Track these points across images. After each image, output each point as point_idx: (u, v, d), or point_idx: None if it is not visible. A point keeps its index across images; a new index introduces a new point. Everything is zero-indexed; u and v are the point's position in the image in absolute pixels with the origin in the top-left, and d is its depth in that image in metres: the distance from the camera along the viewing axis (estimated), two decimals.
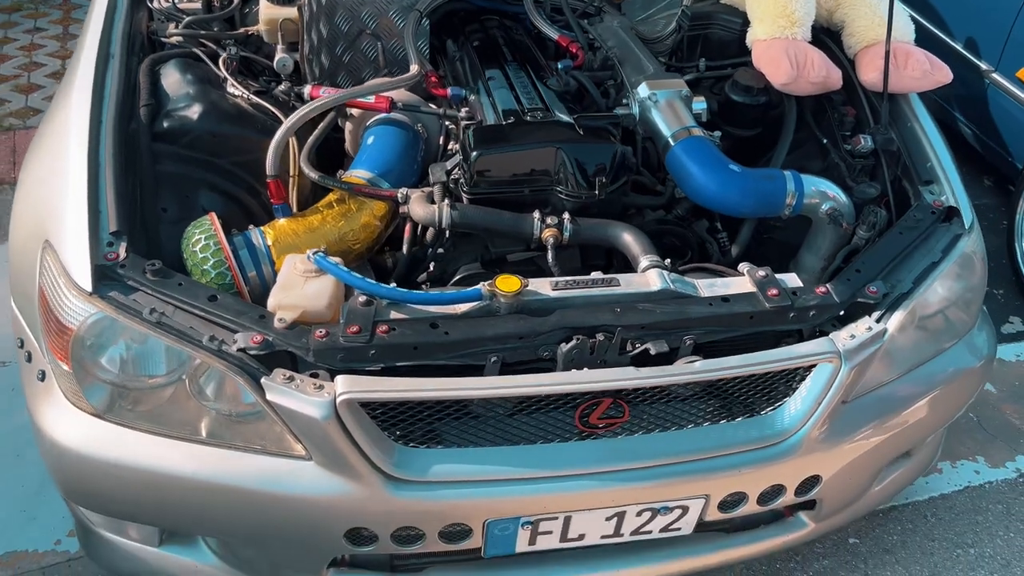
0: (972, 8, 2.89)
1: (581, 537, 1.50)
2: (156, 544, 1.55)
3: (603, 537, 1.51)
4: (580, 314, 1.38)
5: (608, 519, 1.47)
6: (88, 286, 1.36)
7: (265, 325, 1.34)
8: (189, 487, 1.38)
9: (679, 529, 1.53)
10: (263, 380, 1.31)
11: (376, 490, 1.36)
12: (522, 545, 1.49)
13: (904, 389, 1.58)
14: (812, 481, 1.54)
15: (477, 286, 1.39)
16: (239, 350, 1.32)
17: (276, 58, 1.83)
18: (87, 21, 1.90)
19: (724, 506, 1.51)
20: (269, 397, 1.30)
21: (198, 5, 1.90)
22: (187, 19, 1.84)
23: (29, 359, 1.50)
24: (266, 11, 1.83)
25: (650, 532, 1.52)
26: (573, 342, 1.36)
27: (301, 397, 1.29)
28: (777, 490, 1.52)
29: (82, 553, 1.87)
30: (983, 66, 2.87)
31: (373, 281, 1.40)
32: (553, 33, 1.95)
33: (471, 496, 1.39)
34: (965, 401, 1.72)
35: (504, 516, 1.41)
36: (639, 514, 1.47)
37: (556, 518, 1.44)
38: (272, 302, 1.38)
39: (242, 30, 1.92)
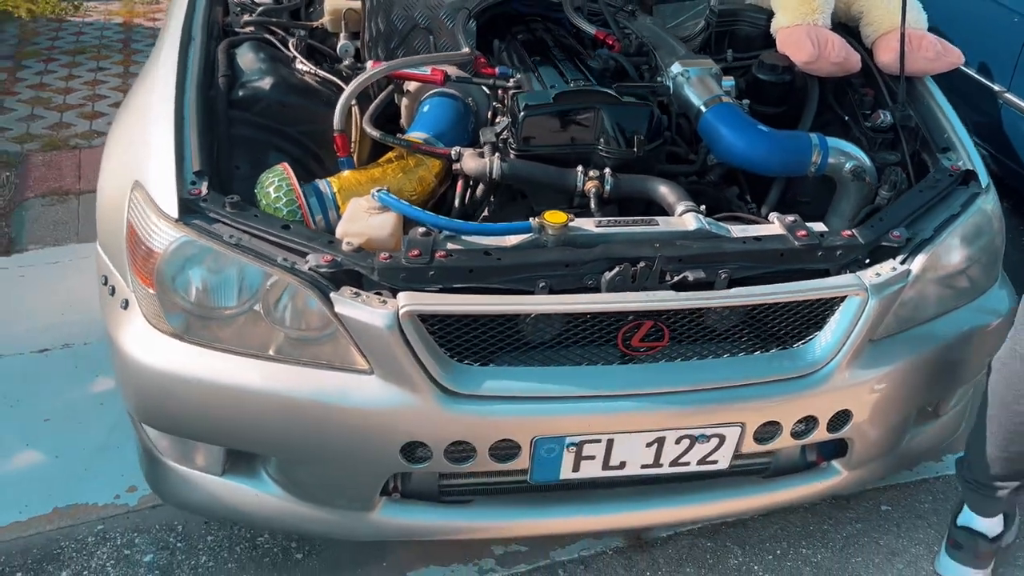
0: (982, 33, 3.05)
1: (622, 465, 1.57)
2: (219, 473, 1.64)
3: (643, 467, 1.58)
4: (622, 246, 1.49)
5: (648, 445, 1.55)
6: (174, 215, 1.50)
7: (334, 248, 1.46)
8: (258, 400, 1.48)
9: (716, 462, 1.60)
10: (332, 295, 1.42)
11: (432, 403, 1.45)
12: (566, 471, 1.56)
13: (927, 336, 1.67)
14: (843, 417, 1.61)
15: (527, 220, 1.51)
16: (310, 268, 1.44)
17: (339, 44, 2.00)
18: (169, 14, 2.10)
19: (760, 439, 1.58)
20: (338, 309, 1.42)
21: (270, 1, 2.09)
22: (260, 8, 2.03)
23: (112, 292, 1.63)
24: (330, 2, 2.01)
25: (688, 464, 1.59)
26: (616, 270, 1.46)
27: (367, 309, 1.41)
28: (810, 423, 1.59)
29: (140, 506, 1.97)
30: (996, 87, 3.02)
31: (432, 214, 1.53)
32: (591, 29, 2.11)
33: (520, 413, 1.48)
34: (990, 353, 1.79)
35: (550, 434, 1.49)
36: (678, 441, 1.55)
37: (599, 440, 1.52)
38: (340, 231, 1.51)
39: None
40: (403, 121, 1.96)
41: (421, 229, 1.50)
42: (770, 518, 1.95)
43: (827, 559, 1.86)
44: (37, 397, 2.25)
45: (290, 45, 1.94)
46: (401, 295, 1.42)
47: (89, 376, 2.33)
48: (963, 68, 3.13)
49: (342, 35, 2.00)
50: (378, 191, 1.55)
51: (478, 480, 1.64)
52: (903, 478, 2.08)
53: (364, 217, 1.53)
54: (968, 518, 1.79)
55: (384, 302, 1.42)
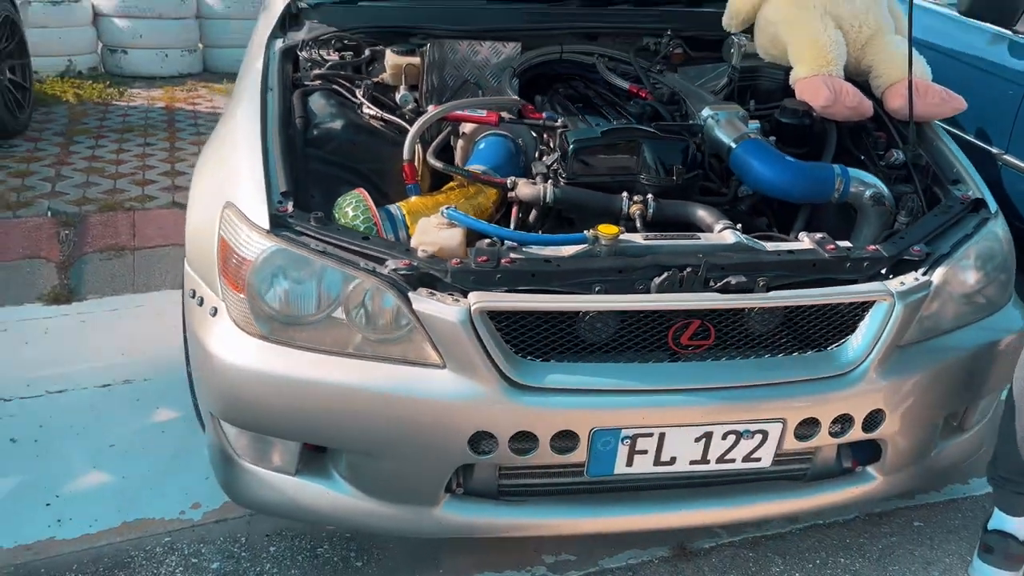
0: (979, 100, 3.28)
1: (672, 461, 1.69)
2: (293, 472, 1.75)
3: (692, 463, 1.69)
4: (669, 256, 1.65)
5: (697, 440, 1.66)
6: (265, 228, 1.66)
7: (411, 255, 1.62)
8: (339, 394, 1.61)
9: (759, 460, 1.71)
10: (410, 294, 1.57)
11: (499, 395, 1.58)
12: (620, 466, 1.67)
13: (949, 347, 1.80)
14: (876, 417, 1.73)
15: (582, 232, 1.67)
16: (391, 271, 1.59)
17: (399, 95, 2.21)
18: (244, 69, 2.32)
19: (800, 436, 1.70)
20: (416, 306, 1.56)
21: (336, 58, 2.31)
22: (329, 63, 2.25)
23: (201, 303, 1.77)
24: (391, 59, 2.23)
25: (733, 461, 1.70)
26: (665, 275, 1.62)
27: (441, 306, 1.56)
28: (846, 422, 1.71)
29: (204, 521, 2.06)
30: (995, 151, 3.23)
31: (497, 226, 1.70)
32: (624, 84, 2.33)
33: (579, 405, 1.61)
34: (1007, 370, 1.92)
35: (607, 426, 1.62)
36: (724, 437, 1.67)
37: (651, 435, 1.64)
38: (414, 242, 1.67)
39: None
40: (457, 160, 2.15)
41: (487, 240, 1.66)
42: (808, 531, 2.04)
43: (865, 568, 1.94)
44: (102, 426, 2.37)
45: (357, 93, 2.15)
46: (472, 294, 1.57)
47: (150, 408, 2.46)
48: (962, 134, 3.37)
49: (401, 87, 2.21)
50: (447, 208, 1.72)
51: (534, 481, 1.75)
52: (933, 498, 2.17)
53: (435, 231, 1.69)
54: (999, 521, 1.88)
55: (456, 300, 1.57)
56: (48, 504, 2.09)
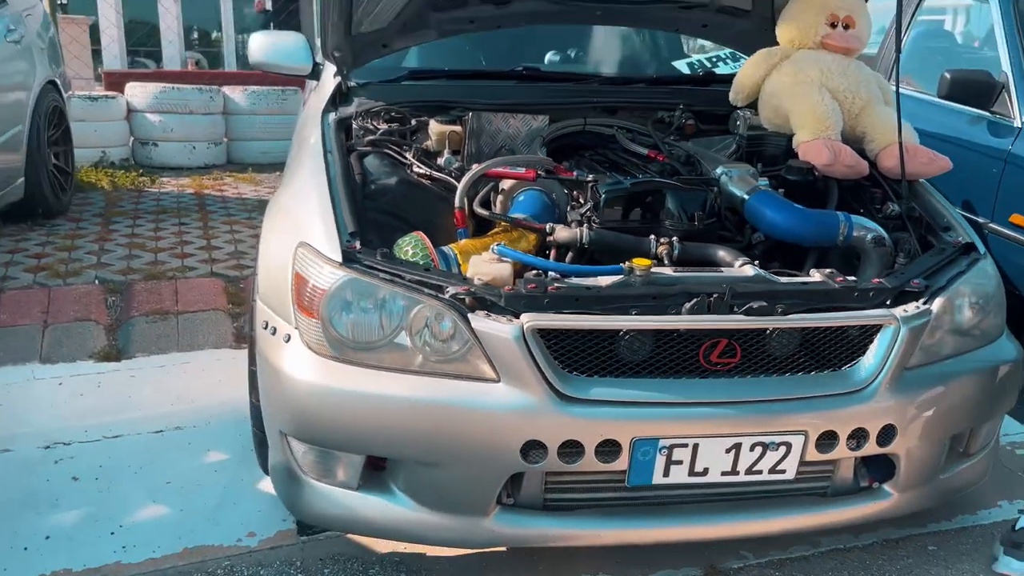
0: (964, 176, 3.54)
1: (705, 472, 1.84)
2: (355, 487, 1.90)
3: (723, 474, 1.85)
4: (697, 285, 1.85)
5: (727, 451, 1.82)
6: (338, 261, 1.86)
7: (467, 283, 1.82)
8: (402, 407, 1.78)
9: (784, 472, 1.87)
10: (469, 315, 1.77)
11: (549, 406, 1.75)
12: (658, 475, 1.83)
13: (950, 372, 1.98)
14: (889, 431, 1.89)
15: (618, 264, 1.88)
16: (451, 296, 1.79)
17: (443, 158, 2.45)
18: (301, 137, 2.57)
19: (820, 448, 1.86)
20: (474, 325, 1.75)
21: (385, 127, 2.56)
22: (380, 131, 2.50)
23: (274, 332, 1.96)
24: (436, 127, 2.48)
25: (760, 472, 1.86)
26: (694, 300, 1.81)
27: (498, 324, 1.75)
28: (862, 435, 1.88)
29: (260, 547, 2.19)
30: (980, 220, 3.48)
31: (543, 259, 1.90)
32: (643, 150, 2.58)
33: (621, 416, 1.77)
34: (1002, 397, 2.10)
35: (646, 436, 1.78)
36: (752, 448, 1.83)
37: (686, 445, 1.80)
38: (470, 273, 1.87)
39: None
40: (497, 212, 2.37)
41: (534, 271, 1.87)
42: (829, 554, 2.17)
43: (881, 571, 2.07)
44: (158, 466, 2.50)
45: (407, 155, 2.39)
46: (524, 315, 1.76)
47: (201, 451, 2.60)
48: (949, 206, 3.63)
49: (445, 152, 2.45)
50: (497, 245, 1.94)
51: (577, 495, 1.90)
52: (944, 527, 2.30)
53: (487, 265, 1.90)
54: None
55: (510, 320, 1.76)
56: (112, 533, 2.21)
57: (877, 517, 2.04)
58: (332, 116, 2.57)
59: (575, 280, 1.86)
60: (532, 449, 1.78)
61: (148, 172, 5.92)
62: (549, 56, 3.25)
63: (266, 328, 2.00)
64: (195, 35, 17.86)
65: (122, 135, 6.22)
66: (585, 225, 2.07)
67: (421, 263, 1.94)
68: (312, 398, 1.83)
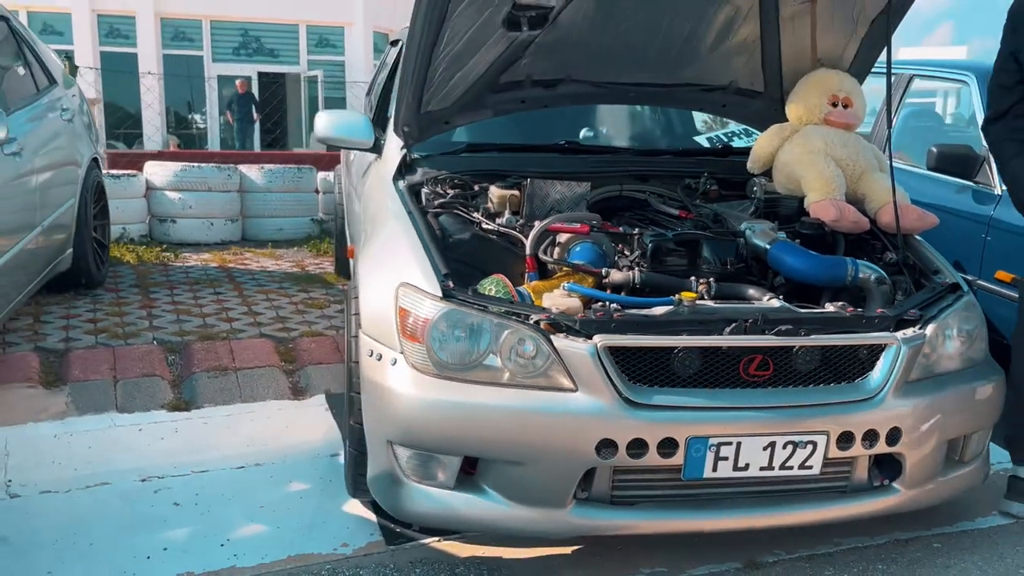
0: (952, 239, 4.18)
1: (746, 467, 2.37)
2: (452, 486, 2.41)
3: (761, 468, 2.38)
4: (734, 313, 2.43)
5: (764, 448, 2.36)
6: (438, 295, 2.43)
7: (547, 311, 2.39)
8: (495, 413, 2.31)
9: (811, 468, 2.41)
10: (552, 337, 2.33)
11: (619, 411, 2.29)
12: (708, 470, 2.36)
13: (943, 385, 2.56)
14: (896, 433, 2.44)
15: (669, 296, 2.46)
16: (535, 321, 2.35)
17: (504, 217, 3.03)
18: (374, 201, 3.15)
19: (840, 446, 2.41)
20: (557, 344, 2.31)
21: (452, 191, 3.15)
22: (451, 194, 3.09)
23: (380, 359, 2.49)
24: (496, 192, 3.07)
25: (791, 468, 2.40)
26: (734, 324, 2.39)
27: (576, 343, 2.30)
28: (874, 436, 2.42)
29: (355, 555, 2.67)
30: (970, 277, 4.10)
31: (608, 293, 2.48)
32: (675, 211, 3.19)
33: (678, 419, 2.32)
34: (989, 409, 2.67)
35: (699, 435, 2.32)
36: (784, 447, 2.37)
37: (731, 443, 2.34)
38: (546, 304, 2.44)
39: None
40: None
41: (599, 303, 2.44)
42: (850, 551, 2.68)
43: (898, 571, 2.58)
44: (248, 494, 2.99)
45: (476, 214, 2.98)
46: (596, 335, 2.32)
47: (284, 482, 3.09)
48: None
49: (506, 212, 3.04)
50: (568, 284, 2.51)
51: (638, 492, 2.42)
52: (947, 530, 2.83)
53: (559, 299, 2.47)
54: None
55: (585, 340, 2.32)
56: (222, 545, 2.69)
57: (888, 511, 2.57)
58: (402, 183, 3.17)
59: (634, 310, 2.43)
60: (605, 447, 2.31)
61: (170, 248, 6.49)
62: (584, 132, 3.90)
63: (371, 355, 2.54)
64: (175, 116, 18.72)
65: (141, 212, 6.80)
66: (636, 269, 2.65)
67: (504, 298, 2.51)
68: (418, 409, 2.37)
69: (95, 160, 5.23)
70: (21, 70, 4.55)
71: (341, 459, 3.25)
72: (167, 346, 4.15)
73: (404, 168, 3.28)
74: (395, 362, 2.45)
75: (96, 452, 3.28)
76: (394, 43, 5.09)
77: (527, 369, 2.35)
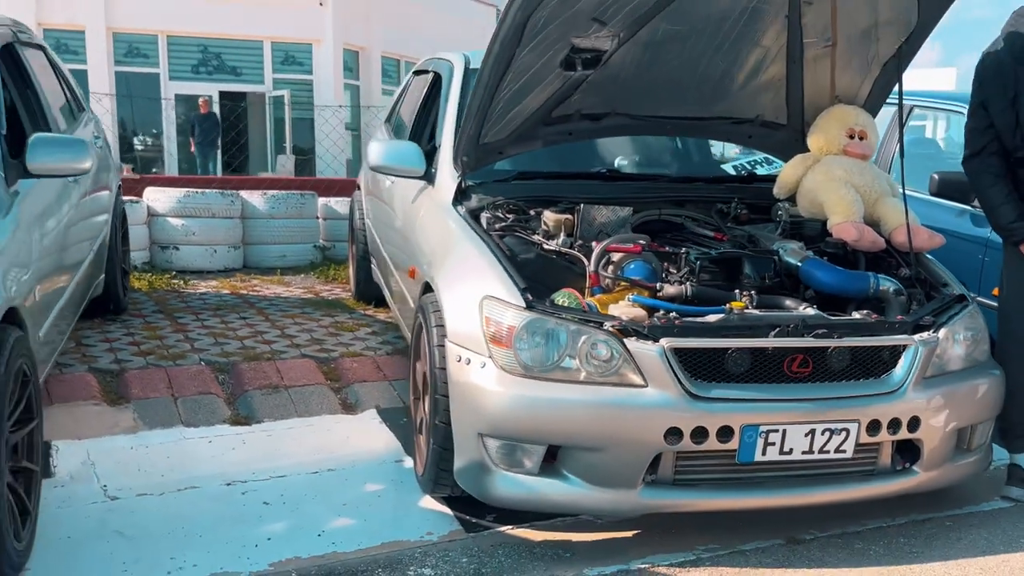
0: (953, 259, 4.86)
1: (791, 451, 3.03)
2: (536, 472, 3.04)
3: (803, 452, 3.04)
4: (777, 319, 3.10)
5: (805, 435, 3.02)
6: (522, 306, 3.07)
7: (617, 319, 3.04)
8: (575, 406, 2.95)
9: (845, 452, 3.07)
10: (625, 340, 2.98)
11: (684, 403, 2.94)
12: (758, 454, 3.01)
13: (954, 381, 3.25)
14: (916, 421, 3.12)
15: (721, 305, 3.13)
16: (609, 327, 3.00)
17: (560, 239, 3.68)
18: (436, 224, 3.79)
19: (869, 432, 3.07)
20: (629, 346, 2.96)
21: (510, 216, 3.79)
22: (511, 219, 3.74)
23: (468, 363, 3.12)
24: (552, 216, 3.71)
25: (828, 452, 3.06)
26: (778, 328, 3.06)
27: (646, 345, 2.96)
28: (897, 423, 3.10)
29: (440, 541, 3.27)
30: (969, 295, 4.82)
31: (669, 303, 3.14)
32: (711, 233, 3.87)
33: (734, 409, 2.97)
34: (991, 403, 3.36)
35: (751, 423, 2.97)
36: (823, 433, 3.03)
37: (777, 430, 3.00)
38: (614, 313, 3.09)
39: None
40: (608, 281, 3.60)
41: (661, 312, 3.10)
42: (875, 530, 3.34)
43: (917, 543, 3.24)
44: (328, 494, 3.59)
45: (535, 236, 3.63)
46: (663, 338, 2.97)
47: (359, 484, 3.69)
48: None
49: (561, 234, 3.69)
50: (632, 296, 3.17)
51: (697, 475, 3.06)
52: (957, 512, 3.51)
53: (627, 309, 3.13)
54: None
55: (653, 343, 2.97)
56: (319, 535, 3.28)
57: (909, 491, 3.24)
58: (461, 208, 3.81)
59: (690, 318, 3.10)
60: (671, 434, 2.95)
61: (178, 275, 7.06)
62: (618, 160, 4.58)
63: (460, 360, 3.17)
64: (129, 138, 19.15)
65: (142, 239, 7.35)
66: (688, 283, 3.32)
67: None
68: (507, 405, 3.00)
69: (119, 186, 5.81)
70: (62, 97, 5.14)
71: (406, 464, 3.86)
72: (215, 366, 4.73)
73: (459, 194, 3.93)
74: (484, 365, 3.08)
75: (175, 461, 3.85)
76: (418, 72, 5.77)
77: (601, 369, 2.99)
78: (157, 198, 7.42)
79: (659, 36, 3.58)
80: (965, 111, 5.20)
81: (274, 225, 7.68)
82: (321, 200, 8.07)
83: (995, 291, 4.65)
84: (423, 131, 5.10)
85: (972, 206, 4.93)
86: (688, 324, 3.04)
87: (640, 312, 3.11)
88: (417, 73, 5.85)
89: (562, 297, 3.21)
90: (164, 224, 7.39)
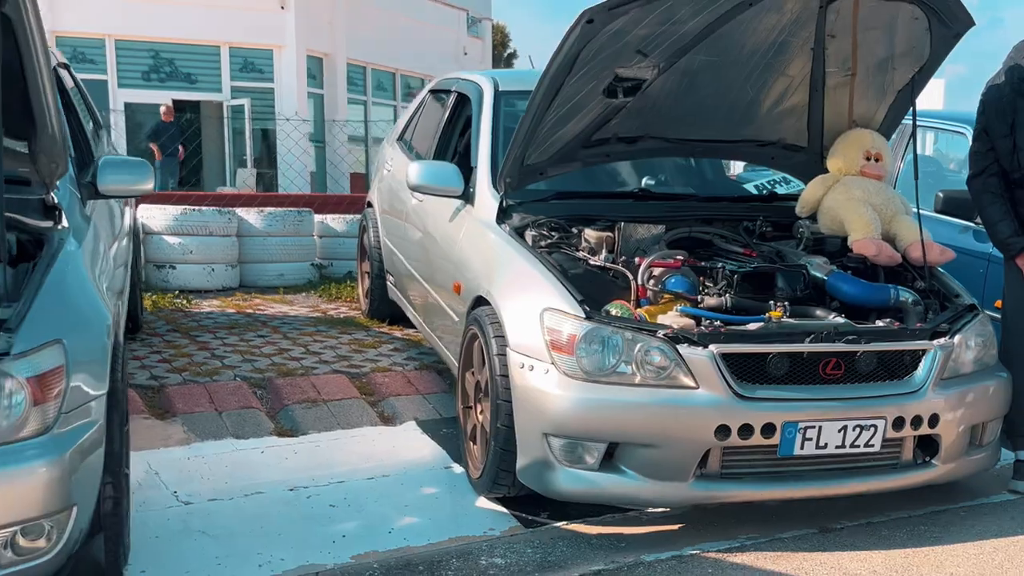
0: (958, 272, 5.58)
1: (825, 446, 3.68)
2: (596, 468, 3.66)
3: (836, 447, 3.69)
4: (811, 327, 3.76)
5: (839, 431, 3.67)
6: (582, 316, 3.69)
7: (669, 328, 3.68)
8: (634, 407, 3.58)
9: (873, 446, 3.73)
10: (678, 346, 3.62)
11: (732, 402, 3.58)
12: (797, 448, 3.66)
13: (968, 382, 3.93)
14: (936, 418, 3.79)
15: (761, 315, 3.78)
16: (662, 335, 3.64)
17: (603, 255, 4.31)
18: (483, 241, 4.40)
19: (895, 427, 3.73)
20: (682, 352, 3.60)
21: (554, 234, 4.42)
22: (555, 236, 4.36)
23: (532, 369, 3.74)
24: (593, 234, 4.34)
25: (859, 446, 3.71)
26: (813, 335, 3.71)
27: (696, 351, 3.60)
28: (919, 420, 3.76)
29: (503, 536, 3.87)
30: None
31: (715, 312, 3.79)
32: (740, 249, 4.53)
33: (776, 408, 3.61)
34: (1000, 402, 4.04)
35: (792, 420, 3.62)
36: (854, 429, 3.69)
37: (814, 426, 3.65)
38: (664, 322, 3.73)
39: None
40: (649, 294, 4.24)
41: (707, 321, 3.75)
42: (897, 520, 4.00)
43: (936, 529, 3.91)
44: (389, 497, 4.17)
45: (580, 252, 4.26)
46: (712, 344, 3.62)
47: (415, 488, 4.28)
48: None
49: (603, 251, 4.33)
50: (681, 307, 3.82)
51: (742, 470, 3.70)
52: (970, 503, 4.19)
53: (676, 318, 3.77)
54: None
55: (703, 348, 3.61)
56: (389, 532, 3.86)
57: (929, 482, 3.91)
58: (506, 227, 4.44)
59: (733, 326, 3.75)
60: (720, 431, 3.59)
61: (173, 295, 7.59)
62: (645, 180, 5.23)
63: (523, 367, 3.78)
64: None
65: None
66: (727, 295, 3.97)
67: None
68: (571, 406, 3.62)
69: (135, 202, 6.36)
70: (88, 115, 5.69)
71: (455, 470, 4.46)
72: (251, 382, 5.30)
73: (501, 213, 4.55)
74: (547, 371, 3.70)
75: (234, 470, 4.41)
76: (436, 92, 6.40)
77: (655, 373, 3.63)
78: (152, 216, 7.94)
79: (695, 66, 4.25)
80: (951, 128, 6.00)
81: (271, 243, 8.24)
82: (317, 217, 8.64)
83: (997, 303, 5.39)
84: (448, 151, 5.73)
85: (975, 223, 5.65)
86: (733, 331, 3.68)
87: (688, 321, 3.75)
88: (433, 92, 6.47)
89: (615, 308, 3.84)
90: (160, 243, 7.92)
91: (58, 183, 3.69)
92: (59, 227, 3.56)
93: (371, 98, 21.77)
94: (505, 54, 35.18)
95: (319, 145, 19.51)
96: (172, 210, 7.95)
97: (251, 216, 8.26)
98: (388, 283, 6.52)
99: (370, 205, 7.04)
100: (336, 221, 8.73)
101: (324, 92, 20.13)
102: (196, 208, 8.02)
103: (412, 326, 6.43)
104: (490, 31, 27.60)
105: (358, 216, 8.08)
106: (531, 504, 3.99)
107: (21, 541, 2.83)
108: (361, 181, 20.61)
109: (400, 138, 6.86)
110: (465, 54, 23.95)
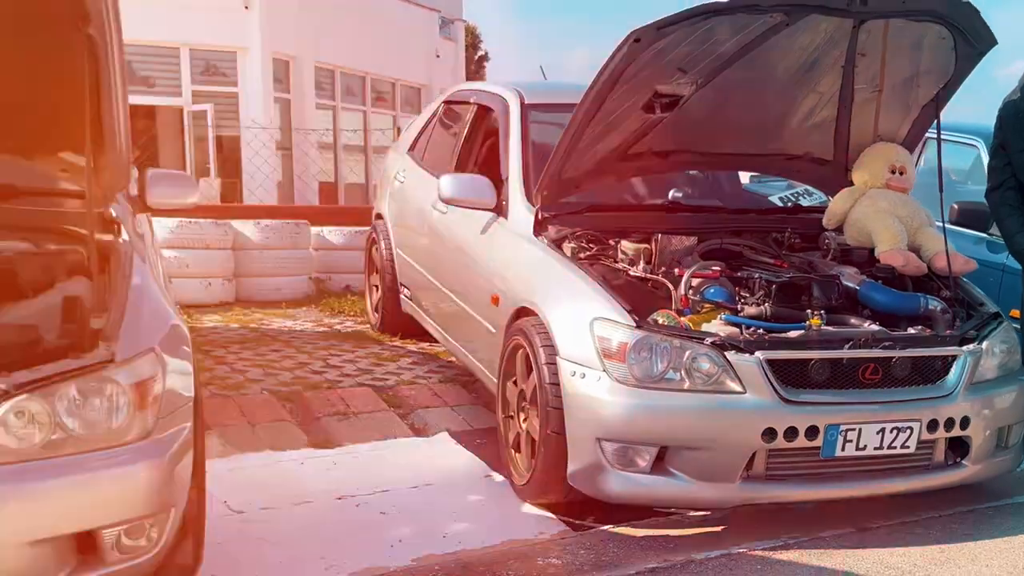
0: (972, 280, 6.12)
1: (864, 447, 4.15)
2: (648, 471, 4.10)
3: (875, 448, 4.16)
4: (849, 334, 4.23)
5: (877, 433, 4.15)
6: (632, 326, 4.14)
7: (716, 335, 4.13)
8: (683, 411, 4.03)
9: (909, 447, 4.20)
10: (726, 353, 4.07)
11: (778, 406, 4.04)
12: (838, 450, 4.12)
13: (995, 386, 4.42)
14: (966, 420, 4.27)
15: (799, 323, 4.25)
16: (710, 342, 4.10)
17: (640, 266, 4.76)
18: (520, 253, 4.84)
19: (929, 429, 4.21)
20: (730, 358, 4.05)
21: (593, 246, 4.86)
22: (594, 248, 4.81)
23: (584, 377, 4.17)
24: (630, 246, 4.79)
25: (895, 448, 4.18)
26: (851, 341, 4.19)
27: (744, 357, 4.06)
28: (951, 422, 4.25)
29: (554, 538, 4.30)
30: None
31: (758, 320, 4.26)
32: (769, 260, 5.00)
33: (819, 411, 4.08)
34: (1023, 406, 4.55)
35: (833, 423, 4.08)
36: (891, 431, 4.16)
37: (855, 429, 4.11)
38: (712, 329, 4.19)
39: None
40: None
41: (751, 329, 4.21)
42: (928, 519, 4.47)
43: (965, 527, 4.40)
44: (436, 504, 4.59)
45: (619, 264, 4.71)
46: (758, 351, 4.08)
47: (462, 495, 4.70)
48: None
49: (641, 262, 4.78)
50: (725, 315, 4.28)
51: (786, 471, 4.16)
52: (996, 504, 4.68)
53: (721, 327, 4.23)
54: None
55: (750, 355, 4.07)
56: (444, 536, 4.28)
57: (960, 482, 4.40)
58: (544, 239, 4.88)
59: (775, 334, 4.21)
60: (767, 434, 4.04)
61: (183, 309, 7.94)
62: (672, 193, 5.70)
63: (574, 375, 4.22)
64: None
65: None
66: (767, 303, 4.43)
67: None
68: (624, 412, 4.06)
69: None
70: None
71: (496, 478, 4.89)
72: (278, 395, 5.70)
73: (537, 226, 4.99)
74: (599, 378, 4.14)
75: (280, 480, 4.81)
76: (452, 103, 6.84)
77: (703, 379, 4.08)
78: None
79: (730, 82, 4.73)
80: (982, 146, 6.53)
81: (267, 256, 8.61)
82: (313, 230, 9.04)
83: (1013, 312, 5.91)
84: (469, 163, 6.17)
85: (989, 234, 6.18)
86: (777, 339, 4.15)
87: (732, 329, 4.22)
88: (448, 103, 6.91)
89: (662, 317, 4.30)
90: None
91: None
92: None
93: (340, 103, 22.08)
94: (476, 55, 35.62)
95: (286, 152, 19.81)
96: (168, 222, 8.28)
97: (247, 229, 8.63)
98: (402, 296, 6.92)
99: (379, 217, 7.44)
100: (333, 234, 9.12)
101: (291, 97, 20.41)
102: (192, 220, 8.36)
103: (425, 339, 6.86)
104: (463, 33, 28.06)
105: (356, 228, 8.48)
106: (577, 509, 4.43)
107: (125, 540, 3.20)
108: (330, 191, 20.98)
109: (410, 148, 7.27)
110: (437, 57, 24.38)
